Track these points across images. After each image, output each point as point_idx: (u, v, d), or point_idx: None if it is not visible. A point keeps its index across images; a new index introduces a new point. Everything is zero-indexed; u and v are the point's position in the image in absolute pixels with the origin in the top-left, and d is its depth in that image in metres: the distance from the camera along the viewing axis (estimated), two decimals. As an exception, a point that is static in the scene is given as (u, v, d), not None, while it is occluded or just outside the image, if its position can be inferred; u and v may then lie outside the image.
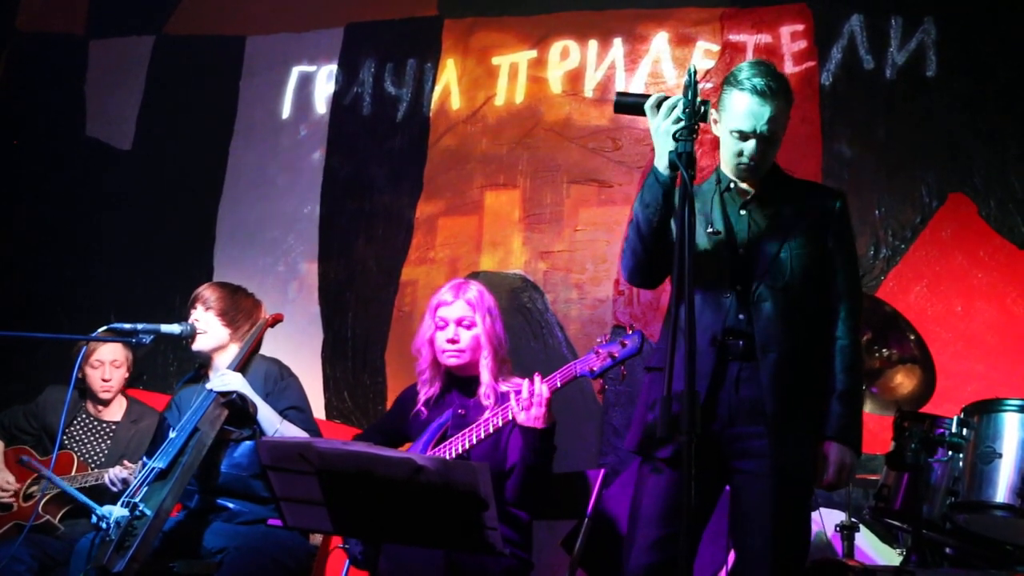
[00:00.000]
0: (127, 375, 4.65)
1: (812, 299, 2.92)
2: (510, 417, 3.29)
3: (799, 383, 2.85)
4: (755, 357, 2.84)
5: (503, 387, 3.55)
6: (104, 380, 4.52)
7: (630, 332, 3.20)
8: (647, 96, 2.84)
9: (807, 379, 2.87)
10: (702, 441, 2.35)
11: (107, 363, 4.52)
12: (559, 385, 3.25)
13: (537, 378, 3.26)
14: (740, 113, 2.86)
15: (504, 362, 3.64)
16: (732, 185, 3.00)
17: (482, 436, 3.35)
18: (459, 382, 3.65)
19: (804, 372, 2.87)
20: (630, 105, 2.91)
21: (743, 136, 2.88)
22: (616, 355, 3.16)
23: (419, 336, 3.71)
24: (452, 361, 3.60)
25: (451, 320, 3.60)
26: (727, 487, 2.97)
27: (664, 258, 2.88)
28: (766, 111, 2.85)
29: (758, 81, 2.85)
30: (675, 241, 2.52)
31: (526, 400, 3.23)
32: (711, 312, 2.89)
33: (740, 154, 2.90)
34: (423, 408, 3.66)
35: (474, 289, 3.67)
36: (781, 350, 2.84)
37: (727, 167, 2.98)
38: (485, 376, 3.57)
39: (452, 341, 3.58)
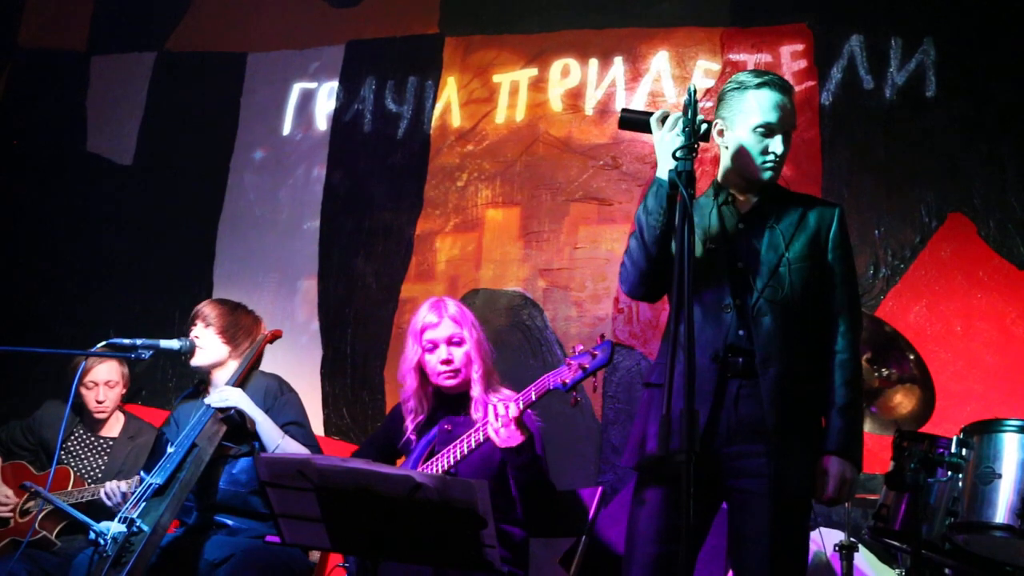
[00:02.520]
0: (124, 392, 4.64)
1: (811, 313, 2.91)
2: (491, 433, 3.27)
3: (800, 398, 2.85)
4: (755, 374, 2.84)
5: (494, 398, 3.53)
6: (98, 401, 4.50)
7: (600, 343, 3.15)
8: (651, 112, 2.87)
9: (807, 394, 2.87)
10: (700, 459, 2.34)
11: (101, 384, 4.49)
12: (534, 398, 3.21)
13: (501, 403, 3.23)
14: (765, 108, 2.89)
15: (492, 372, 3.63)
16: (730, 198, 3.01)
17: (466, 451, 3.33)
18: (448, 401, 3.64)
19: (804, 387, 2.86)
20: (634, 121, 2.94)
21: (770, 131, 2.89)
22: (587, 366, 3.12)
23: (404, 363, 3.66)
24: (449, 382, 3.58)
25: (441, 340, 3.58)
26: (723, 504, 2.97)
27: (664, 271, 2.88)
28: (788, 103, 2.92)
29: (774, 76, 2.94)
30: (674, 256, 2.53)
31: (495, 423, 3.21)
32: (712, 328, 2.88)
33: (766, 151, 2.91)
34: (412, 436, 3.63)
35: (453, 305, 3.67)
36: (781, 365, 2.83)
37: (743, 171, 2.96)
38: (476, 391, 3.56)
39: (446, 362, 3.57)
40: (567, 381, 3.14)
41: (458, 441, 3.36)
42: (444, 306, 3.64)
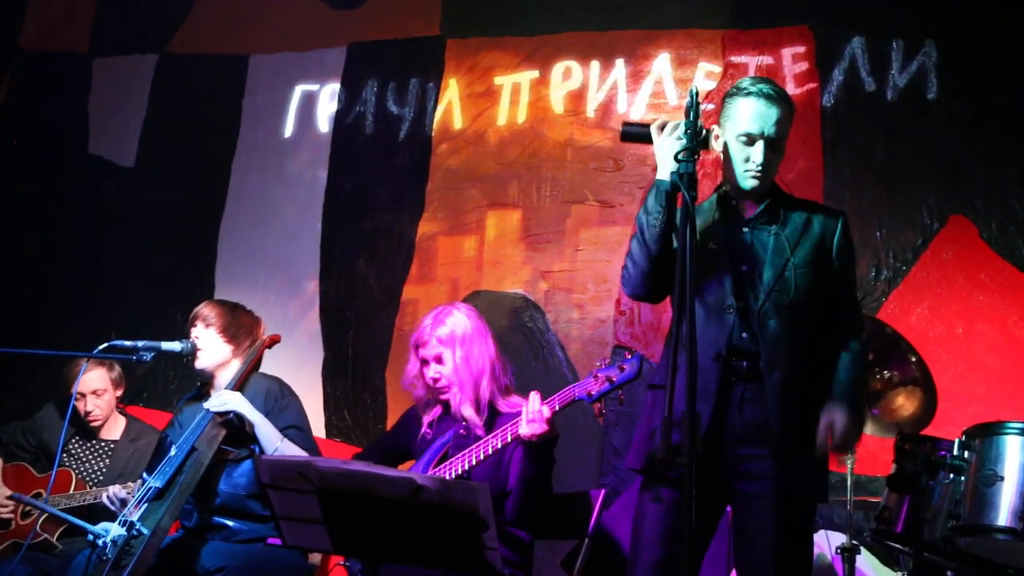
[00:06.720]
0: (119, 394, 4.60)
1: (816, 317, 2.93)
2: (509, 439, 3.29)
3: (805, 402, 2.86)
4: (760, 377, 2.85)
5: (502, 407, 3.55)
6: (87, 412, 4.46)
7: (629, 356, 3.17)
8: (650, 123, 2.89)
9: (812, 398, 2.88)
10: (705, 462, 2.35)
11: (88, 394, 4.45)
12: (558, 408, 3.24)
13: (536, 396, 3.25)
14: (747, 117, 2.89)
15: (490, 384, 3.59)
16: (734, 203, 3.02)
17: (482, 457, 3.35)
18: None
19: (809, 390, 2.88)
20: (636, 133, 2.96)
21: (750, 140, 2.90)
22: (614, 379, 3.15)
23: (407, 373, 3.72)
24: (442, 396, 3.62)
25: (429, 358, 3.61)
26: (728, 508, 2.97)
27: (666, 272, 2.87)
28: (773, 113, 2.89)
29: (763, 86, 2.92)
30: (676, 259, 2.53)
31: (529, 415, 3.23)
32: (714, 329, 2.89)
33: (747, 160, 2.91)
34: (428, 430, 3.67)
35: (447, 323, 3.62)
36: (787, 368, 2.85)
37: (734, 178, 2.97)
38: (478, 399, 3.57)
39: (434, 379, 3.61)
40: (593, 393, 3.17)
41: (475, 446, 3.38)
42: (435, 324, 3.62)
